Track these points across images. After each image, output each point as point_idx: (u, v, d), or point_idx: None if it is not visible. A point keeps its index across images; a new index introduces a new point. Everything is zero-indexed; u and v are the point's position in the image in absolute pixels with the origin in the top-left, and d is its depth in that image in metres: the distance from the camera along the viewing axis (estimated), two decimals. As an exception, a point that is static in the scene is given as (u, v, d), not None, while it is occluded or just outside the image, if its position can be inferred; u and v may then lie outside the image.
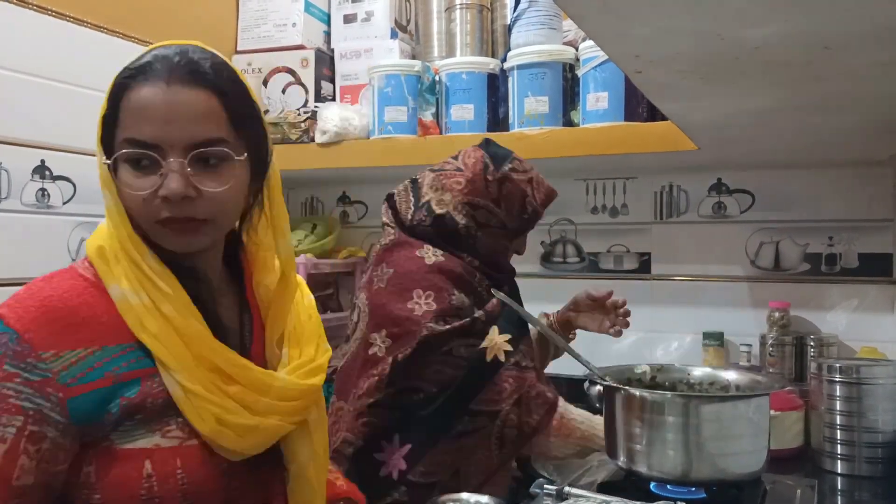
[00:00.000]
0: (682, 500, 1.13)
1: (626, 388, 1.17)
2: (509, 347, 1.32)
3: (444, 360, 1.30)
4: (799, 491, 1.25)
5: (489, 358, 1.31)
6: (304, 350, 0.97)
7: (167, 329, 0.84)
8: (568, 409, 1.36)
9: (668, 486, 1.17)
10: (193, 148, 0.83)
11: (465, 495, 1.09)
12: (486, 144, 1.51)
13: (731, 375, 1.29)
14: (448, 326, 1.30)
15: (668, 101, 1.20)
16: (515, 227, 1.46)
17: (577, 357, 1.26)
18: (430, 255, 1.38)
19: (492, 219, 1.43)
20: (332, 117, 2.01)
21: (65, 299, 0.82)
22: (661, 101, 1.21)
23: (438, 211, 1.41)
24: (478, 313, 1.35)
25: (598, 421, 1.34)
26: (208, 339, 0.86)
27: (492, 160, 1.46)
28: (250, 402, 0.86)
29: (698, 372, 1.32)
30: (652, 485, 1.18)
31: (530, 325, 1.42)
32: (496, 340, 1.32)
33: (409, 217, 1.44)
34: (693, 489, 1.16)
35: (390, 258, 1.40)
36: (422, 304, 1.32)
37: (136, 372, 0.83)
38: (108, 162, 0.85)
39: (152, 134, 0.82)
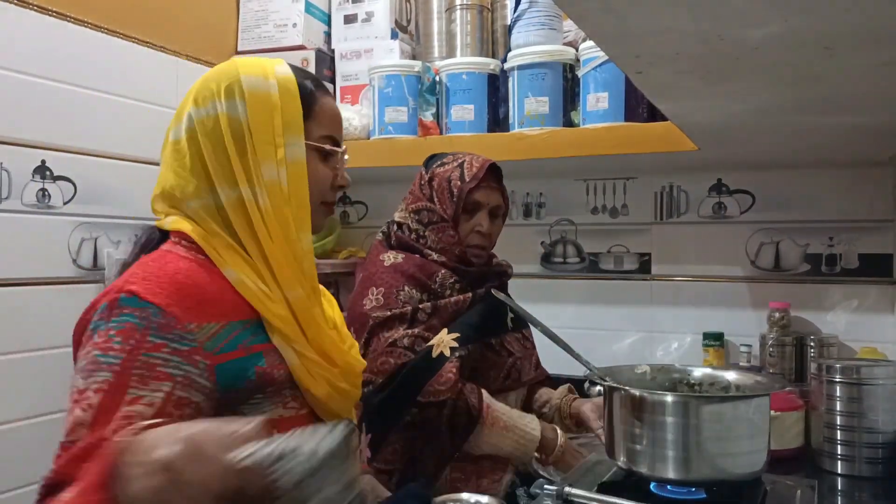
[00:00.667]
0: (682, 500, 1.13)
1: (626, 388, 1.17)
2: (455, 344, 1.40)
3: (389, 352, 1.39)
4: (799, 491, 1.25)
5: (435, 354, 1.39)
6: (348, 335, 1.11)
7: (289, 314, 0.95)
8: (491, 400, 1.45)
9: (668, 487, 1.17)
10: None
11: (465, 495, 1.09)
12: (428, 159, 1.61)
13: (731, 376, 1.29)
14: (389, 313, 1.41)
15: (668, 102, 1.20)
16: (452, 214, 1.50)
17: (577, 357, 1.26)
18: (390, 257, 1.52)
19: (432, 216, 1.52)
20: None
21: (192, 277, 0.91)
22: (661, 102, 1.21)
23: (397, 220, 1.58)
24: (422, 305, 1.44)
25: (518, 415, 1.45)
26: (324, 326, 1.00)
27: (424, 166, 1.59)
28: (345, 377, 1.00)
29: (698, 372, 1.31)
30: (652, 485, 1.18)
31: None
32: (444, 339, 1.40)
33: (387, 232, 1.60)
34: (693, 489, 1.16)
35: (363, 265, 1.58)
36: (373, 299, 1.45)
37: (259, 346, 0.92)
38: (316, 144, 1.01)
39: (340, 135, 1.06)
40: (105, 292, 0.90)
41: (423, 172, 1.58)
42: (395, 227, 1.58)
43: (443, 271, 1.49)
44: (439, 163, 1.57)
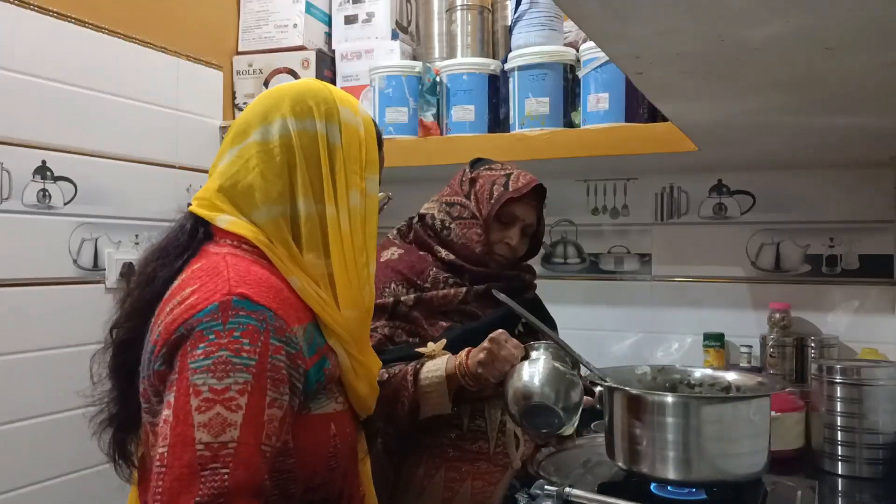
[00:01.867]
0: (682, 500, 1.13)
1: (627, 388, 1.17)
2: (441, 350, 1.39)
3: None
4: (799, 492, 1.25)
5: (423, 351, 1.39)
6: None
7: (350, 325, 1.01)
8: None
9: (669, 488, 1.17)
10: None
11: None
12: (475, 160, 1.59)
13: (731, 376, 1.29)
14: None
15: (668, 102, 1.20)
16: (486, 215, 1.49)
17: (578, 358, 1.26)
18: (388, 253, 1.52)
19: (464, 211, 1.51)
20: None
21: (275, 281, 0.94)
22: (661, 102, 1.21)
23: (421, 212, 1.57)
24: (404, 298, 1.43)
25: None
26: (366, 333, 1.09)
27: (470, 166, 1.58)
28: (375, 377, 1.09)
29: (699, 373, 1.31)
30: (652, 485, 1.18)
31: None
32: (434, 348, 1.38)
33: (402, 229, 1.59)
34: (693, 490, 1.16)
35: None
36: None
37: (324, 347, 0.98)
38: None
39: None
40: (200, 290, 0.90)
41: (467, 170, 1.57)
42: (417, 220, 1.56)
43: (434, 269, 1.48)
44: (487, 166, 1.56)
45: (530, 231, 1.55)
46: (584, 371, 1.31)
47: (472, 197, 1.52)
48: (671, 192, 2.07)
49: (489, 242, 1.50)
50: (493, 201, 1.48)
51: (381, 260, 1.50)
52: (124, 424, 1.01)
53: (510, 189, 1.48)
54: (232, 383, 0.84)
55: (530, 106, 1.85)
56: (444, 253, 1.49)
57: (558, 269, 2.18)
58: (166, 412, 0.84)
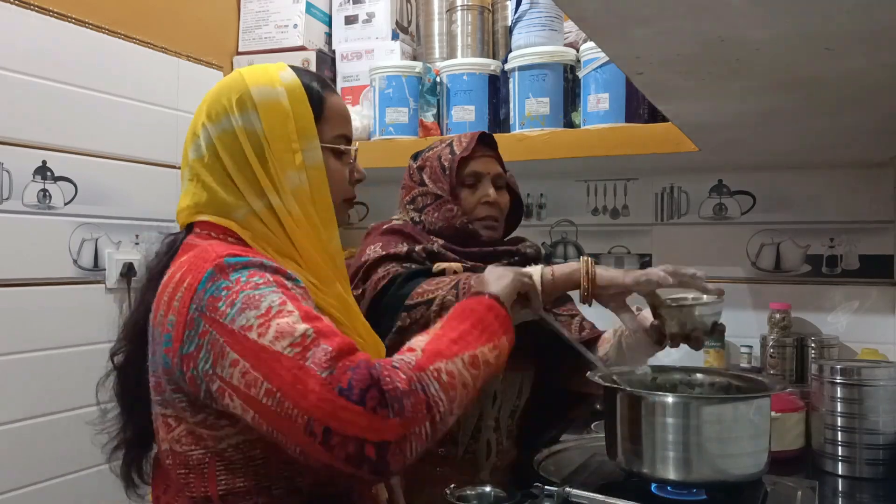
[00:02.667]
0: (682, 500, 1.13)
1: (628, 388, 1.17)
2: (460, 266, 1.32)
3: (383, 275, 1.32)
4: (800, 493, 1.25)
5: (436, 269, 1.31)
6: None
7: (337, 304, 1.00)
8: None
9: (669, 488, 1.17)
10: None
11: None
12: (413, 155, 1.54)
13: (731, 377, 1.29)
14: (384, 252, 1.35)
15: (668, 103, 1.20)
16: (448, 188, 1.42)
17: (583, 352, 1.25)
18: (371, 251, 1.43)
19: (426, 198, 1.45)
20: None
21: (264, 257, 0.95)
22: (661, 103, 1.21)
23: (394, 221, 1.48)
24: (418, 248, 1.36)
25: None
26: (359, 313, 1.06)
27: (413, 159, 1.52)
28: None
29: (699, 373, 1.31)
30: (653, 486, 1.18)
31: None
32: (453, 266, 1.32)
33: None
34: (694, 490, 1.16)
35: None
36: (369, 252, 1.38)
37: None
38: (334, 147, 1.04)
39: (350, 131, 1.09)
40: (190, 269, 0.89)
41: (412, 163, 1.51)
42: (391, 233, 1.46)
43: (441, 242, 1.39)
44: (428, 149, 1.50)
45: (502, 182, 1.47)
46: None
47: (427, 181, 1.45)
48: (671, 192, 2.07)
49: (467, 211, 1.41)
50: (447, 171, 1.42)
51: (385, 227, 1.44)
52: (140, 441, 1.01)
53: (457, 152, 1.42)
54: (269, 304, 0.84)
55: (530, 106, 1.85)
56: (432, 245, 1.39)
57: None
58: (236, 371, 0.81)
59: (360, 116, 2.05)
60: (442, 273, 1.30)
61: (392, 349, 1.23)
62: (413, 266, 1.33)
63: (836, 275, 1.92)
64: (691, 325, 1.22)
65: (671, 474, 1.12)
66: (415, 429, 0.80)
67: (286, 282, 0.89)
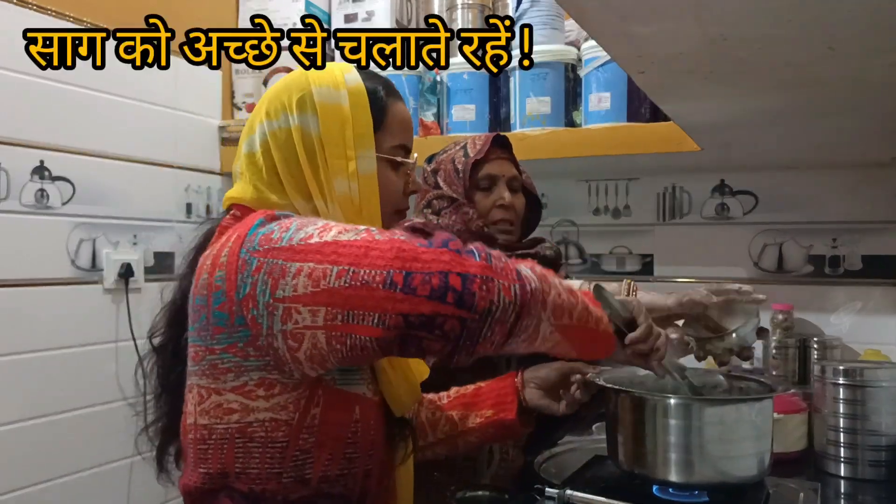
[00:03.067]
0: (684, 503, 1.12)
1: (629, 389, 1.16)
2: None
3: None
4: (802, 494, 1.24)
5: None
6: None
7: None
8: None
9: (671, 490, 1.17)
10: None
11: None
12: (428, 158, 1.52)
13: (734, 378, 1.28)
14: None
15: (670, 102, 1.20)
16: (463, 191, 1.40)
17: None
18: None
19: (442, 202, 1.43)
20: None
21: None
22: (663, 102, 1.20)
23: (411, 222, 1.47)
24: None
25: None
26: None
27: (427, 162, 1.50)
28: (414, 375, 1.02)
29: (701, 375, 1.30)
30: (654, 488, 1.17)
31: None
32: None
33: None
34: (696, 492, 1.15)
35: None
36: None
37: None
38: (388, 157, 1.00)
39: (411, 141, 1.06)
40: (238, 230, 0.88)
41: (426, 166, 1.50)
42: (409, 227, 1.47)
43: None
44: (441, 151, 1.50)
45: (518, 185, 1.46)
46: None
47: (442, 185, 1.43)
48: (673, 192, 2.06)
49: (482, 214, 1.41)
50: (461, 174, 1.40)
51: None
52: (175, 426, 0.99)
53: (471, 154, 1.41)
54: (324, 222, 0.84)
55: (531, 105, 1.84)
56: None
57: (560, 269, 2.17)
58: (301, 278, 0.79)
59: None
60: None
61: None
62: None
63: (838, 275, 1.91)
64: (738, 347, 1.21)
65: (673, 476, 1.11)
66: (502, 281, 0.77)
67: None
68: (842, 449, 1.52)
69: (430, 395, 1.20)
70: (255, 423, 0.87)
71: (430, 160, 1.51)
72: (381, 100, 1.01)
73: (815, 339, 1.85)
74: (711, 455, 1.10)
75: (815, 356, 1.83)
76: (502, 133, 1.47)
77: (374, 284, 0.76)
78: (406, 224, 1.42)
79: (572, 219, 2.17)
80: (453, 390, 1.20)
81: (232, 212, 0.99)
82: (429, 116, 2.00)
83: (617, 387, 1.16)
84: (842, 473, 1.52)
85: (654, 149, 1.68)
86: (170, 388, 0.99)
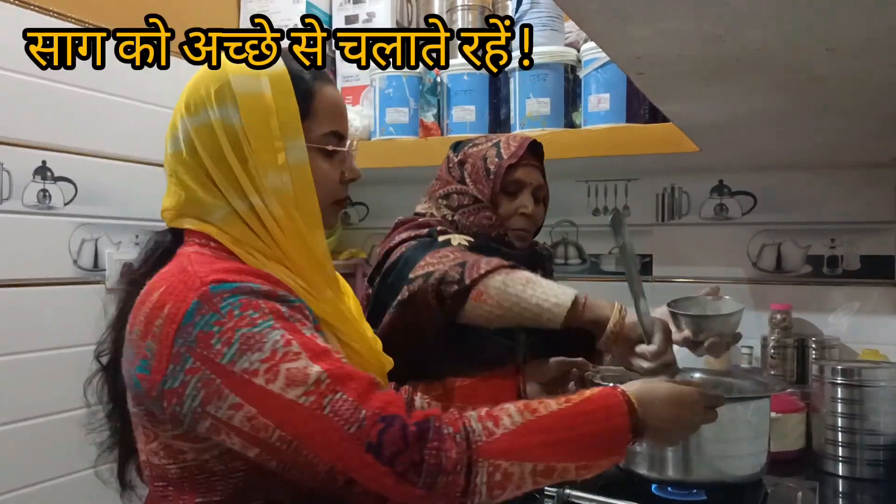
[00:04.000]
0: (682, 501, 1.13)
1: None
2: (465, 243, 1.28)
3: (396, 247, 1.29)
4: (800, 493, 1.25)
5: (441, 238, 1.27)
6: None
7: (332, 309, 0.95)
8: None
9: (669, 489, 1.17)
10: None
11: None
12: (456, 143, 1.48)
13: (732, 378, 1.29)
14: (410, 234, 1.31)
15: (669, 103, 1.20)
16: (489, 194, 1.36)
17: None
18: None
19: (464, 199, 1.37)
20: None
21: (248, 268, 0.89)
22: (662, 103, 1.21)
23: (418, 210, 1.43)
24: (440, 227, 1.33)
25: (547, 282, 1.18)
26: (353, 322, 0.99)
27: (452, 150, 1.45)
28: (376, 370, 0.99)
29: (699, 375, 1.31)
30: (653, 487, 1.18)
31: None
32: (459, 238, 1.29)
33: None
34: (694, 491, 1.16)
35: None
36: (397, 238, 1.33)
37: (318, 326, 0.90)
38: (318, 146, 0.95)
39: (344, 127, 0.99)
40: (171, 294, 0.83)
41: (452, 155, 1.43)
42: (415, 215, 1.42)
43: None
44: (471, 144, 1.43)
45: (541, 194, 1.42)
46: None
47: (468, 180, 1.38)
48: (672, 192, 2.07)
49: (502, 221, 1.36)
50: (492, 176, 1.35)
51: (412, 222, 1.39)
52: (132, 443, 0.96)
53: (504, 157, 1.36)
54: (272, 345, 0.79)
55: (531, 106, 1.84)
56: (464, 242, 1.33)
57: (559, 269, 2.17)
58: (239, 415, 0.77)
59: (361, 116, 2.04)
60: (448, 243, 1.26)
61: (392, 324, 1.22)
62: (427, 237, 1.30)
63: (837, 275, 1.91)
64: (717, 332, 1.21)
65: (671, 474, 1.12)
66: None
67: (281, 308, 0.83)
68: (840, 448, 1.53)
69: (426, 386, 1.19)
70: (212, 460, 0.85)
71: (455, 148, 1.45)
72: (306, 84, 0.95)
73: (814, 338, 1.86)
74: (709, 454, 1.11)
75: (814, 356, 1.83)
76: (538, 141, 1.42)
77: (315, 469, 0.77)
78: (418, 221, 1.37)
79: (571, 219, 2.17)
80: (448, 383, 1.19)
81: (191, 239, 0.94)
82: (429, 117, 2.00)
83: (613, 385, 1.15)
84: (840, 472, 1.53)
85: (653, 149, 1.68)
86: (121, 403, 0.96)
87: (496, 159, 1.36)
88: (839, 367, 1.56)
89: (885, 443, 1.50)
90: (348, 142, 1.00)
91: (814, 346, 1.84)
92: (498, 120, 1.96)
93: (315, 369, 0.78)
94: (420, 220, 1.38)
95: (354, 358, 0.93)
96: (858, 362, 1.67)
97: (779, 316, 1.90)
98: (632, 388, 0.91)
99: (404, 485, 0.76)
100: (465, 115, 1.95)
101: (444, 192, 1.41)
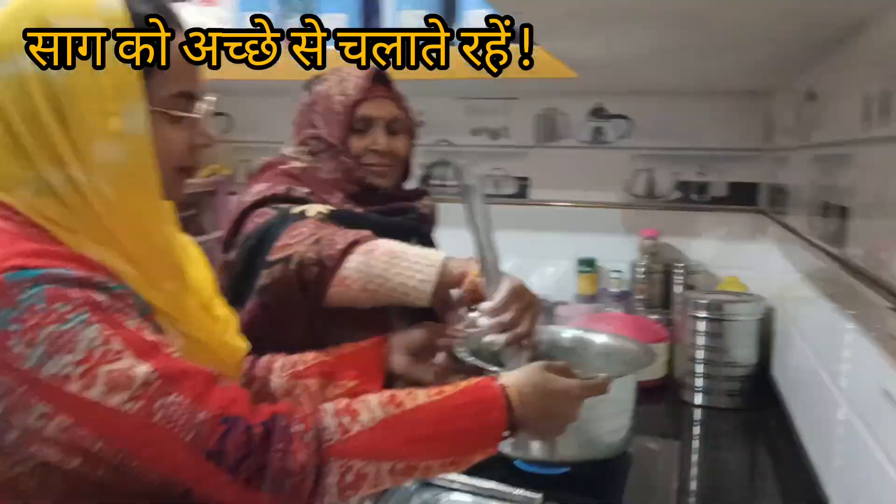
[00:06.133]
0: (545, 475, 1.12)
1: (492, 368, 1.03)
2: (324, 211, 1.19)
3: (257, 215, 1.19)
4: (662, 458, 1.27)
5: (294, 211, 1.18)
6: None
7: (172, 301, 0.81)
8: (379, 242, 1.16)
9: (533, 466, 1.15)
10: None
11: None
12: (309, 81, 1.36)
13: (601, 338, 1.26)
14: (265, 195, 1.21)
15: (549, 41, 1.13)
16: (340, 136, 1.27)
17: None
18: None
19: (319, 144, 1.28)
20: (187, 21, 1.79)
21: (58, 249, 0.72)
22: (542, 40, 1.14)
23: (285, 152, 1.32)
24: (306, 190, 1.23)
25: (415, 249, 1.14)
26: (198, 314, 0.86)
27: (304, 88, 1.34)
28: (223, 363, 0.86)
29: (568, 334, 1.28)
30: (516, 461, 1.15)
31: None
32: (317, 207, 1.19)
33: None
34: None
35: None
36: (251, 194, 1.23)
37: (150, 316, 0.77)
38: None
39: (195, 84, 0.82)
40: None
41: (303, 96, 1.34)
42: (282, 167, 1.32)
43: (338, 200, 1.26)
44: (317, 80, 1.32)
45: (399, 125, 1.31)
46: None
47: (319, 123, 1.29)
48: (551, 114, 2.01)
49: (357, 162, 1.27)
50: (342, 116, 1.26)
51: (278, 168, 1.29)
52: None
53: (350, 93, 1.26)
54: (87, 344, 0.66)
55: (407, 19, 1.70)
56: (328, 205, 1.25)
57: (436, 190, 2.09)
58: (52, 425, 0.65)
59: (216, 20, 1.83)
60: (303, 216, 1.16)
61: (255, 311, 1.12)
62: (287, 208, 1.18)
63: (705, 202, 1.94)
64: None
65: (534, 455, 1.09)
66: None
67: (98, 297, 0.68)
68: (700, 379, 1.59)
69: (290, 358, 1.06)
70: (23, 476, 0.70)
71: (308, 87, 1.34)
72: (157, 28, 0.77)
73: (678, 264, 1.89)
74: (573, 434, 1.05)
75: (678, 281, 1.87)
76: (383, 70, 1.30)
77: (147, 482, 0.68)
78: (282, 168, 1.27)
79: (450, 138, 2.08)
80: (312, 355, 1.08)
81: None
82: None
83: (481, 364, 1.06)
84: (699, 402, 1.59)
85: (531, 74, 1.59)
86: None
87: (342, 97, 1.27)
88: (702, 301, 1.59)
89: (743, 374, 1.57)
90: (200, 105, 0.83)
91: (679, 272, 1.87)
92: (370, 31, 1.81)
93: (142, 369, 0.67)
94: (283, 168, 1.27)
95: (200, 353, 0.79)
96: (720, 293, 1.71)
97: (648, 241, 1.92)
98: (510, 379, 0.85)
99: (249, 491, 0.69)
100: (334, 24, 1.77)
101: (301, 138, 1.31)
